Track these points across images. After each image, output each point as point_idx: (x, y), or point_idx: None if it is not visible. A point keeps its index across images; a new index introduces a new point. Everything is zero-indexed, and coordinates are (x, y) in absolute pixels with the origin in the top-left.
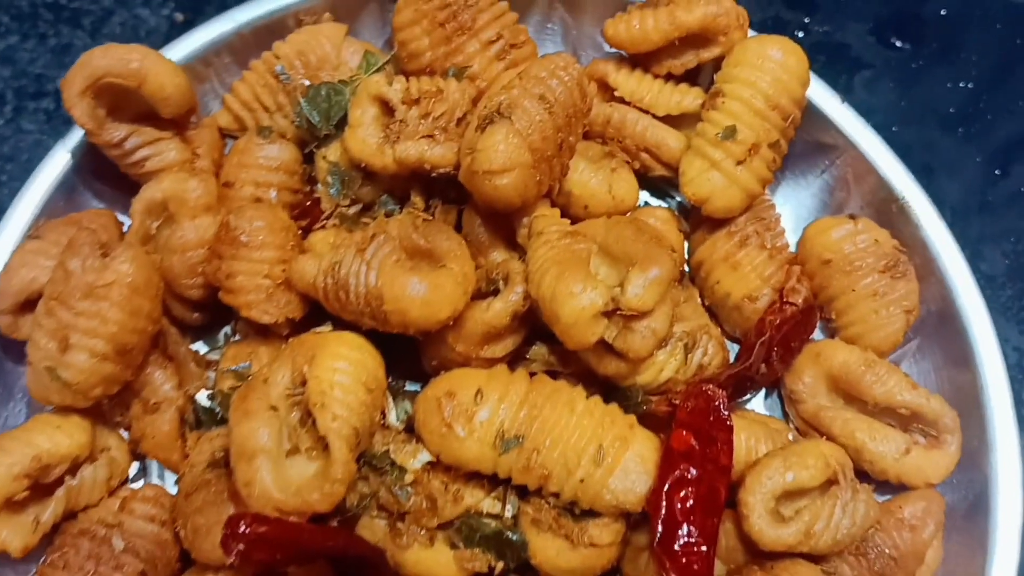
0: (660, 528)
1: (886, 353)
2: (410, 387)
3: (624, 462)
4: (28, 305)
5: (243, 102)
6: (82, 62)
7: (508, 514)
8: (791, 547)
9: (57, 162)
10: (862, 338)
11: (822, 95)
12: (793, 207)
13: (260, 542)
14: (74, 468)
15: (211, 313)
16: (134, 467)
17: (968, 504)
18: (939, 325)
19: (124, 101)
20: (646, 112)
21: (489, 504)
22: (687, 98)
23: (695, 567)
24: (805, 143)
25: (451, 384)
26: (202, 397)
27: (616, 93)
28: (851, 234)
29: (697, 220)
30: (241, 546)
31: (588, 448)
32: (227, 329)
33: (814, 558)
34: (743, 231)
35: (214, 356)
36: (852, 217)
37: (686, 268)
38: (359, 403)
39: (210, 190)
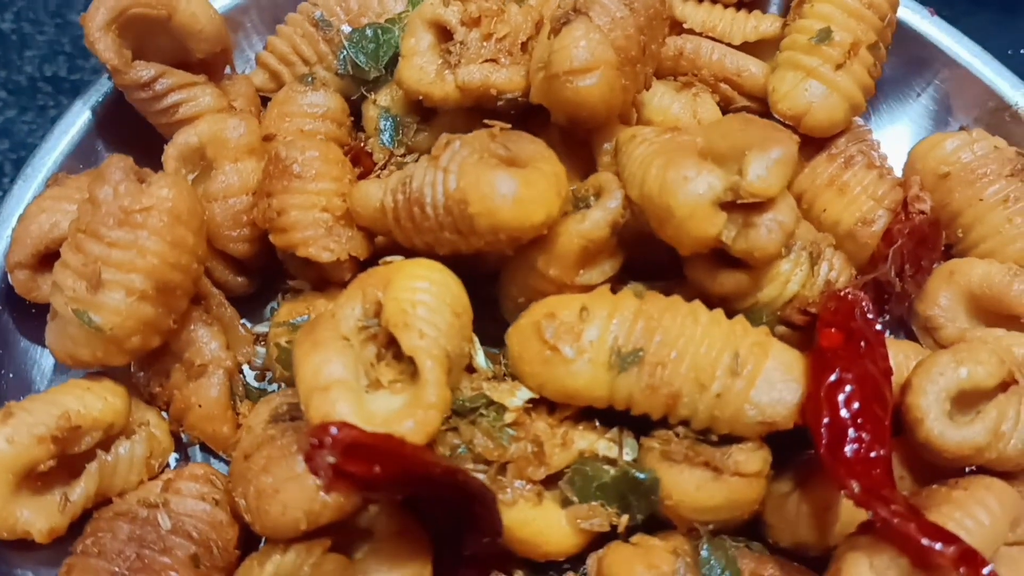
0: (825, 436)
1: None
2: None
3: (766, 371)
4: (48, 260)
5: (280, 56)
6: None
7: (627, 458)
8: (977, 451)
9: (76, 119)
10: (998, 252)
11: (911, 10)
12: (892, 138)
13: (356, 449)
14: (107, 442)
15: (257, 280)
16: (173, 459)
17: None
18: None
19: (151, 43)
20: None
21: (605, 447)
22: (764, 23)
23: (874, 472)
24: (896, 66)
25: (549, 307)
26: (249, 376)
27: (685, 26)
28: (967, 143)
29: None
30: (331, 458)
31: (722, 357)
32: (274, 304)
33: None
34: (845, 152)
35: (262, 329)
36: (963, 128)
37: None
38: (447, 324)
39: (253, 129)
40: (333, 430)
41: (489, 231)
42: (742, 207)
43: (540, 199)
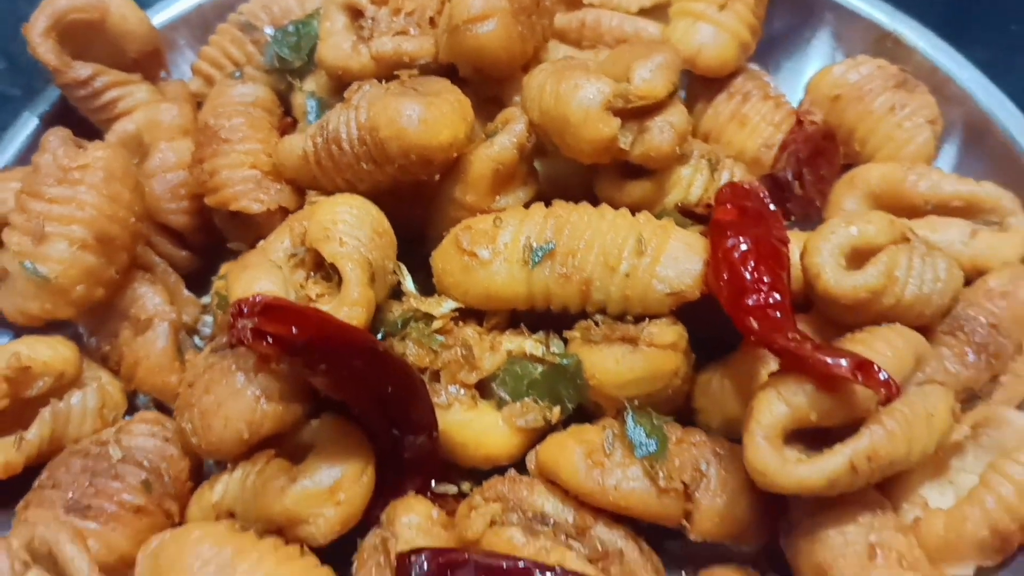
0: (726, 291)
1: None
2: None
3: (670, 248)
4: None
5: (212, 61)
6: (45, 2)
7: (555, 350)
8: (874, 295)
9: (25, 126)
10: (894, 157)
11: None
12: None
13: (273, 311)
14: (60, 390)
15: (200, 257)
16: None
17: None
18: (971, 143)
19: (89, 49)
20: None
21: (532, 346)
22: None
23: (774, 315)
24: (785, 17)
25: (466, 223)
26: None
27: (586, 1)
28: (852, 66)
29: (694, 94)
30: (250, 323)
31: (628, 241)
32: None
33: None
34: (742, 89)
35: (207, 299)
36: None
37: None
38: (367, 238)
39: (185, 113)
40: (250, 300)
41: (400, 153)
42: (636, 115)
43: (444, 120)
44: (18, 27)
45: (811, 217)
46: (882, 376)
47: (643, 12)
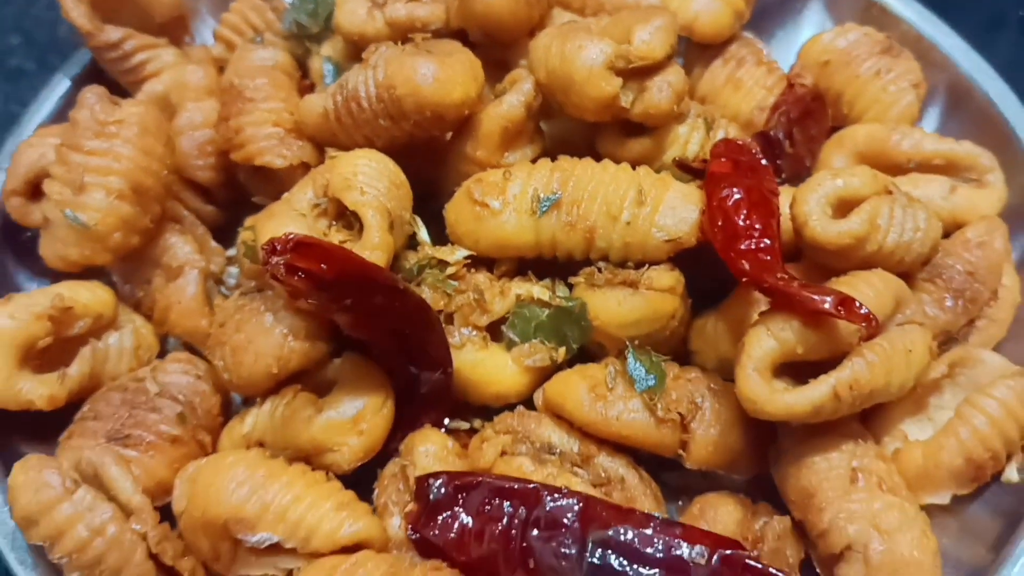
0: (720, 236)
1: None
2: None
3: (668, 199)
4: (39, 192)
5: (233, 27)
6: None
7: (560, 295)
8: (858, 241)
9: (57, 88)
10: (881, 119)
11: None
12: (783, 54)
13: (305, 248)
14: (99, 331)
15: (225, 212)
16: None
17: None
18: (953, 107)
19: (117, 13)
20: None
21: (539, 291)
22: None
23: (765, 258)
24: None
25: (478, 177)
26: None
27: None
28: (840, 33)
29: (691, 59)
30: (283, 259)
31: (629, 192)
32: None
33: None
34: (737, 55)
35: (233, 252)
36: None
37: None
38: (386, 188)
39: (211, 74)
40: (283, 239)
41: (415, 110)
42: (637, 75)
43: (457, 79)
44: (31, 3)
45: (801, 176)
46: (863, 311)
47: None
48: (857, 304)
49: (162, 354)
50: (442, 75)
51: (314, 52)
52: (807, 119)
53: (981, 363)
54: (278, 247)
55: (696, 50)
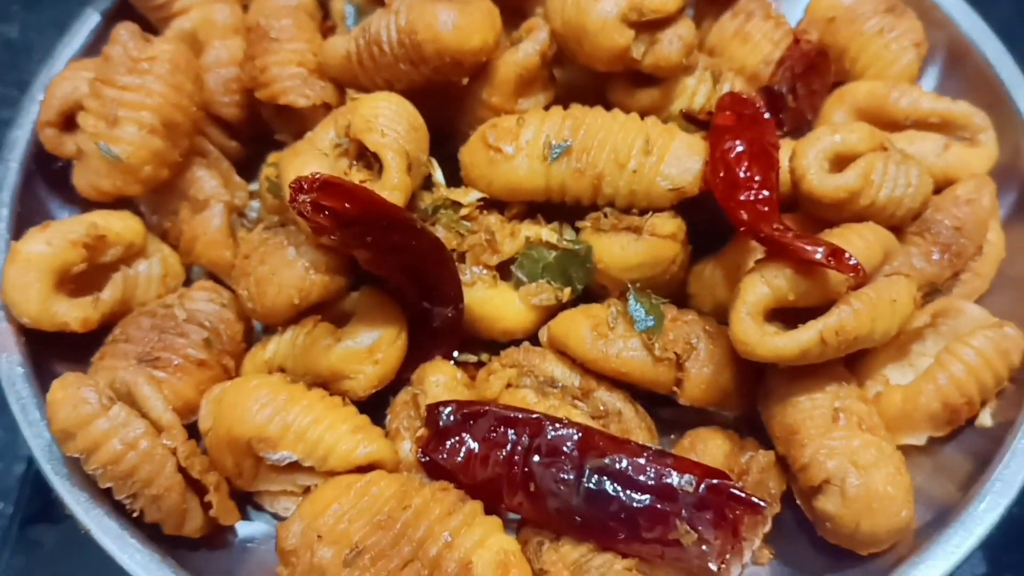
0: (721, 186)
1: None
2: None
3: (673, 148)
4: (72, 123)
5: None
6: None
7: (567, 238)
8: (852, 195)
9: (88, 22)
10: (882, 76)
11: None
12: (790, 10)
13: (330, 187)
14: (129, 259)
15: (248, 147)
16: None
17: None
18: (952, 66)
19: None
20: None
21: (547, 234)
22: None
23: (763, 209)
24: None
25: (492, 122)
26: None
27: None
28: None
29: (701, 12)
30: (309, 197)
31: (636, 141)
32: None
33: None
34: (746, 8)
35: (255, 187)
36: None
37: None
38: (404, 131)
39: (237, 12)
40: (309, 179)
41: (435, 55)
42: (648, 27)
43: (476, 26)
44: None
45: (802, 130)
46: (852, 262)
47: None
48: (847, 255)
49: (187, 283)
50: (462, 22)
51: None
52: (810, 74)
53: (963, 314)
54: (305, 186)
55: (706, 3)
